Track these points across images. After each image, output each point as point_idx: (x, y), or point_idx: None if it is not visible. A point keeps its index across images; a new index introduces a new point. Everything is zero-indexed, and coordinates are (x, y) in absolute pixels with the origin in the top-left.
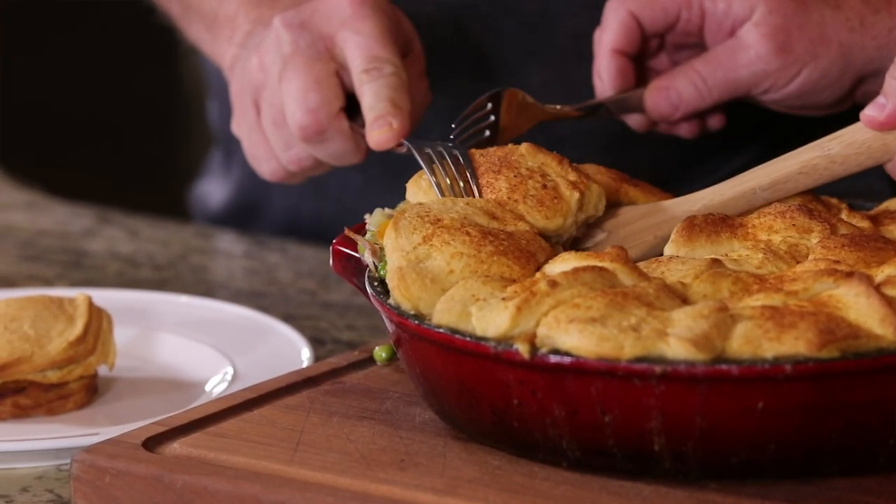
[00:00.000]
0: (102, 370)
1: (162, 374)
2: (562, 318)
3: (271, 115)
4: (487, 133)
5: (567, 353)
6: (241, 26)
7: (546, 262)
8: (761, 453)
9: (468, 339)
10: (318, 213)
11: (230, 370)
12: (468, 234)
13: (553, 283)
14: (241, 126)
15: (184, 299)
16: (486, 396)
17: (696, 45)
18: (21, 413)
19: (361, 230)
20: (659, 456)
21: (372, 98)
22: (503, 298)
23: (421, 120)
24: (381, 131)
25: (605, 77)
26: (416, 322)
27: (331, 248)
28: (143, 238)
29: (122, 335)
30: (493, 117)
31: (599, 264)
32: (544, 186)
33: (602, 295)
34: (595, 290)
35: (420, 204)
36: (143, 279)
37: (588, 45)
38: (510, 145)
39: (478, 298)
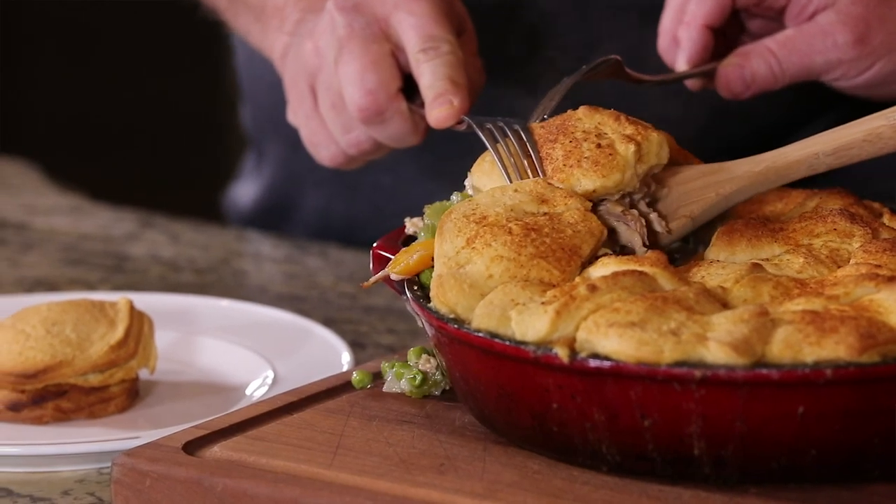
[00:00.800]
0: (143, 374)
1: (203, 378)
2: (601, 322)
3: (329, 98)
4: None
5: (606, 358)
6: (290, 15)
7: (594, 248)
8: (802, 458)
9: (508, 343)
10: (350, 213)
11: (271, 374)
12: (510, 232)
13: (593, 288)
14: (297, 114)
15: (224, 303)
16: (525, 400)
17: (771, 18)
18: (63, 416)
19: (399, 236)
20: (699, 460)
21: (431, 76)
22: (542, 303)
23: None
24: (441, 109)
25: (688, 50)
26: (456, 326)
27: (371, 252)
28: (185, 242)
29: (163, 339)
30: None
31: (639, 269)
32: (599, 146)
33: (642, 299)
34: (635, 295)
35: (469, 201)
36: (184, 283)
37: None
38: (569, 111)
39: (517, 303)
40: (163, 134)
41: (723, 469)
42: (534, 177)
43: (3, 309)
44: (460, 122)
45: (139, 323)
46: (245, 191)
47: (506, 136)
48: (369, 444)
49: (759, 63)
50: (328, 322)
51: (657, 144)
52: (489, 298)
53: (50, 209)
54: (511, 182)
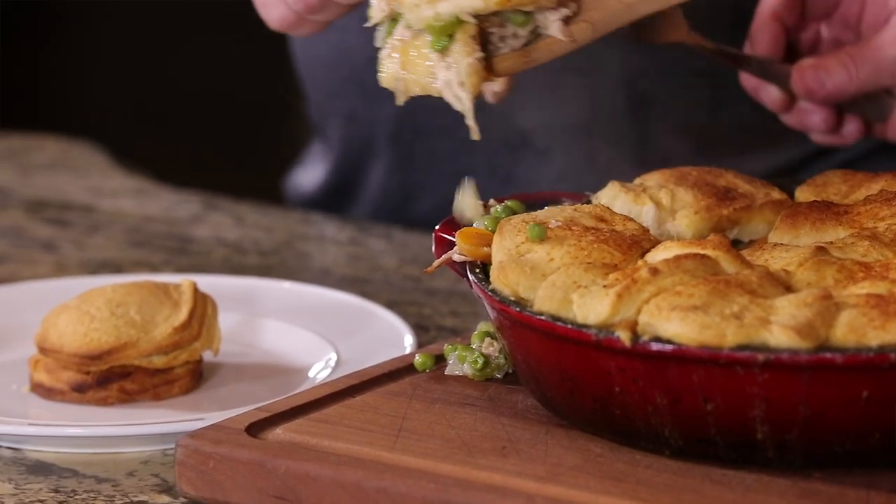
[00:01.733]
0: (207, 356)
1: (266, 360)
2: (663, 305)
3: None
4: None
5: (669, 341)
6: None
7: (652, 246)
8: (866, 442)
9: (569, 326)
10: (407, 181)
11: (333, 356)
12: (571, 230)
13: (654, 271)
14: None
15: (288, 285)
16: (587, 384)
17: (850, 42)
18: (127, 398)
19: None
20: (762, 445)
21: None
22: (604, 286)
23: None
24: None
25: (758, 40)
26: (518, 309)
27: (433, 235)
28: (249, 224)
29: (226, 321)
30: None
31: (702, 252)
32: None
33: (704, 283)
34: (697, 278)
35: (528, 213)
36: (248, 265)
37: None
38: None
39: (579, 285)
40: (227, 116)
41: (786, 453)
42: None
43: (68, 290)
44: None
45: (203, 305)
46: (309, 176)
47: None
48: (432, 426)
49: (834, 62)
50: (391, 304)
51: None
52: (551, 280)
53: (116, 191)
54: None
